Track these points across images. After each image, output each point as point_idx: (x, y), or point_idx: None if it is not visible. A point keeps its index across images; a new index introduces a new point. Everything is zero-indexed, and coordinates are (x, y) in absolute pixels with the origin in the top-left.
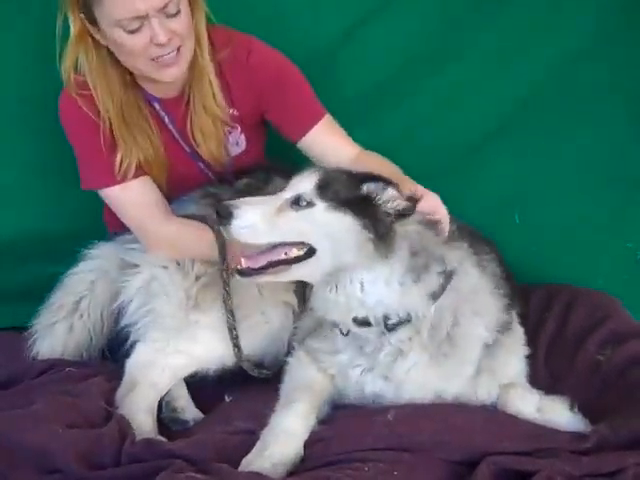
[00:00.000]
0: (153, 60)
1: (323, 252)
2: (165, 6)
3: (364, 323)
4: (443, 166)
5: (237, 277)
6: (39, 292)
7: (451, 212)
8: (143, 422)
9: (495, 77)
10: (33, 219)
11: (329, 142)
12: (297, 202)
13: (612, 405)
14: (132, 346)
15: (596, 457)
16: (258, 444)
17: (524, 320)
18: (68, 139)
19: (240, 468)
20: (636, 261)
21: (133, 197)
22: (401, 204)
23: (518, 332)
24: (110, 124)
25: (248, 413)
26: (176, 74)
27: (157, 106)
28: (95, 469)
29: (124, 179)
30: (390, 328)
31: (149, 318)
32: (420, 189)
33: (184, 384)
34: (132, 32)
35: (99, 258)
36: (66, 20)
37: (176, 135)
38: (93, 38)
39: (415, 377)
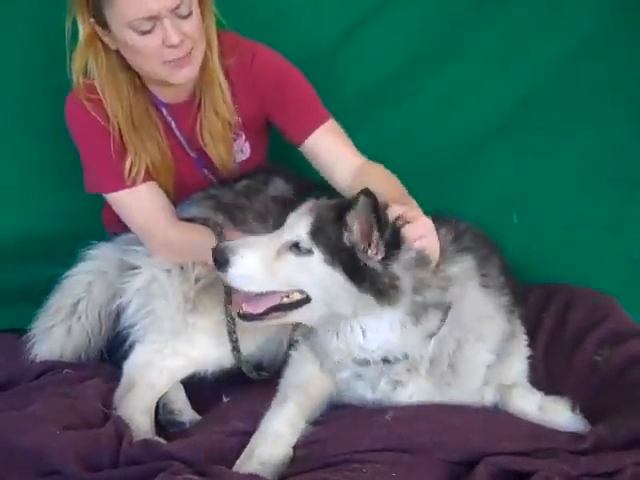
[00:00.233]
0: (165, 62)
1: (318, 302)
2: (177, 7)
3: (363, 362)
4: (443, 166)
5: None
6: (38, 293)
7: (451, 212)
8: (141, 422)
9: (495, 76)
10: (33, 220)
11: (332, 148)
12: (297, 246)
13: (610, 405)
14: (130, 348)
15: (594, 457)
16: (248, 446)
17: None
18: (75, 142)
19: (234, 469)
20: (635, 260)
21: (140, 202)
22: (380, 245)
23: (520, 335)
24: (119, 129)
25: (246, 413)
26: (188, 76)
27: (164, 111)
28: (93, 470)
29: (133, 184)
30: (387, 362)
31: (148, 320)
32: (410, 213)
33: (181, 386)
34: (144, 33)
35: (97, 259)
36: (75, 23)
37: (182, 141)
38: (102, 42)
39: (418, 400)
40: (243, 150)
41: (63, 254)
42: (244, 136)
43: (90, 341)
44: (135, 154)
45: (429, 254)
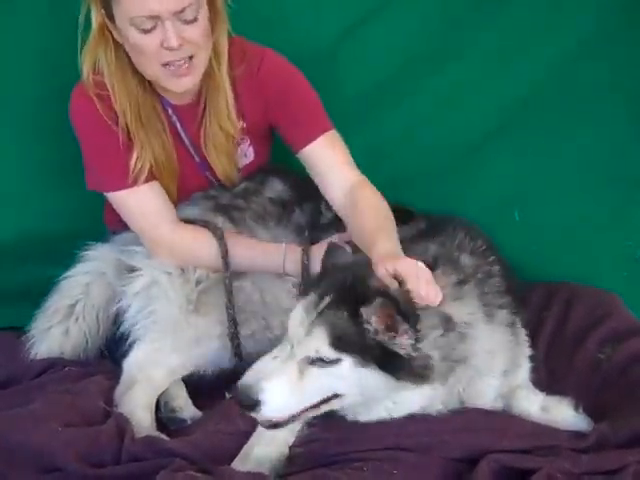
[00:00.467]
0: (164, 66)
1: (351, 396)
2: (182, 11)
3: None
4: (443, 165)
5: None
6: (39, 293)
7: (451, 211)
8: (142, 418)
9: (495, 76)
10: (33, 220)
11: (329, 160)
12: (320, 359)
13: (612, 404)
14: (130, 347)
15: (597, 455)
16: (246, 445)
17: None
18: (78, 137)
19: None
20: (636, 259)
21: (141, 202)
22: (409, 331)
23: (523, 341)
24: (126, 125)
25: None
26: (187, 85)
27: (170, 111)
28: (95, 467)
29: (135, 183)
30: None
31: (149, 320)
32: (396, 264)
33: (182, 384)
34: (145, 32)
35: (95, 260)
36: (87, 17)
37: (187, 142)
38: (113, 36)
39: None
40: (247, 154)
41: (63, 254)
42: (248, 141)
43: (88, 342)
44: (141, 151)
45: (432, 299)
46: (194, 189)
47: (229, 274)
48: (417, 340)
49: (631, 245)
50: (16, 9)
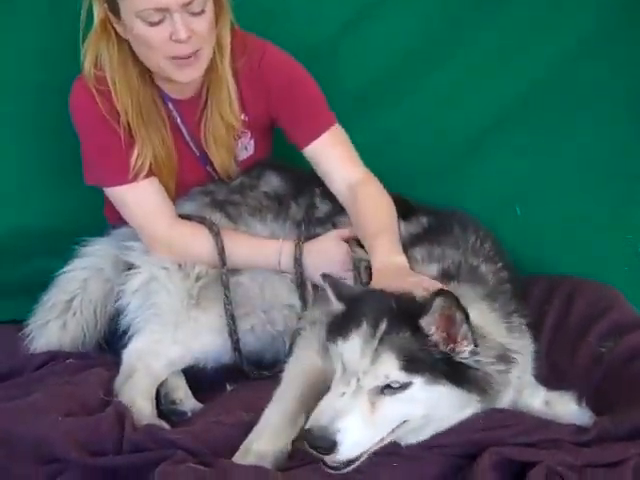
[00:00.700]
0: (171, 59)
1: (417, 419)
2: (190, 2)
3: None
4: (443, 164)
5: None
6: (40, 287)
7: (452, 209)
8: (142, 407)
9: (495, 75)
10: (34, 215)
11: (333, 156)
12: (389, 387)
13: (614, 397)
14: (130, 339)
15: (598, 448)
16: (246, 440)
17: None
18: (78, 132)
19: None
20: (636, 254)
21: (140, 197)
22: (468, 336)
23: (528, 336)
24: (127, 121)
25: (250, 403)
26: (193, 76)
27: (170, 105)
28: (96, 455)
29: (135, 178)
30: None
31: (149, 312)
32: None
33: (182, 375)
34: (152, 24)
35: (93, 256)
36: (89, 13)
37: (187, 137)
38: (115, 31)
39: None
40: (247, 148)
41: (64, 249)
42: (250, 134)
43: (86, 336)
44: (142, 146)
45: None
46: (193, 183)
47: (226, 270)
48: (476, 345)
49: (631, 239)
50: (16, 9)
